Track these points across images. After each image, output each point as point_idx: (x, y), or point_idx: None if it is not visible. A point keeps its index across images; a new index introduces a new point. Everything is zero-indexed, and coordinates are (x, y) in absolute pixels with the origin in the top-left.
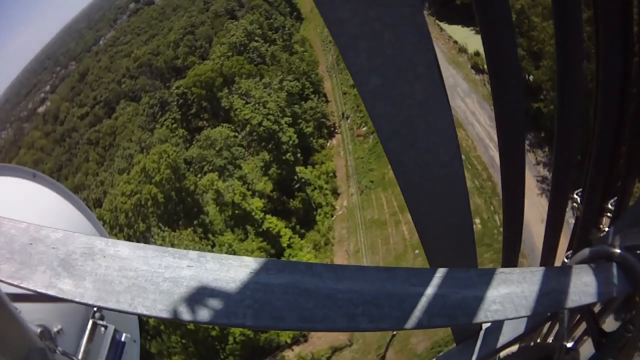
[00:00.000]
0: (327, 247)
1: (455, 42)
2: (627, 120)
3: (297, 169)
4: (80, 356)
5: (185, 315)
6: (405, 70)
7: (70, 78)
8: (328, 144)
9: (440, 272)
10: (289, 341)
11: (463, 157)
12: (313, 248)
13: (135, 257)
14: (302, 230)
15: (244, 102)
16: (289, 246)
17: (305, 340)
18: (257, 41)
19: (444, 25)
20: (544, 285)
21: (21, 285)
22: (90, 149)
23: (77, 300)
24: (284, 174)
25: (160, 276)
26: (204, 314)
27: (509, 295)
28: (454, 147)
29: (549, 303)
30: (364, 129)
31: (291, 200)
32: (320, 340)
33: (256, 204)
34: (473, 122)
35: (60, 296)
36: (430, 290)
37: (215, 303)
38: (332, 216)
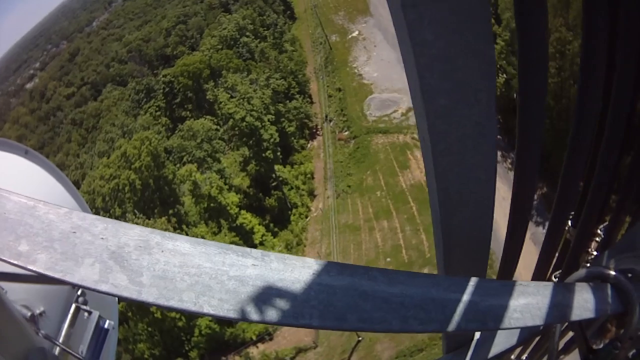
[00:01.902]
0: (299, 248)
1: None
2: (628, 148)
3: (276, 167)
4: (61, 340)
5: (254, 315)
6: (469, 95)
7: (61, 57)
8: (309, 145)
9: (472, 281)
10: (254, 338)
11: None
12: (285, 247)
13: (197, 253)
14: (276, 229)
15: (229, 96)
16: (261, 243)
17: (271, 339)
18: (248, 36)
19: None
20: (553, 298)
21: (64, 279)
22: (73, 130)
23: (133, 297)
24: (262, 171)
25: (225, 274)
26: (272, 315)
27: (527, 306)
28: (493, 167)
29: (557, 315)
30: (346, 133)
31: (267, 198)
32: (286, 340)
33: (232, 198)
34: None
35: (114, 293)
36: (465, 297)
37: (282, 303)
38: (306, 217)
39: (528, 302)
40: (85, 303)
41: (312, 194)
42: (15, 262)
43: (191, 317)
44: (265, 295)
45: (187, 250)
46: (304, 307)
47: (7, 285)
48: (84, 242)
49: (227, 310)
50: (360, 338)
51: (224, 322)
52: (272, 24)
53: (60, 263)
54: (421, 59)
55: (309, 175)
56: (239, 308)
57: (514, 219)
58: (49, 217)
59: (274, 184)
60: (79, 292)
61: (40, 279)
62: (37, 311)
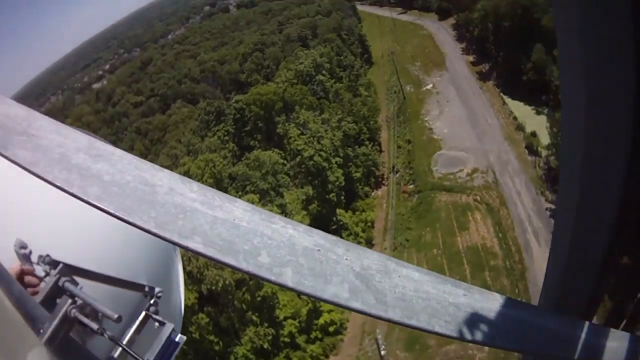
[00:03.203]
0: None
1: (515, 118)
2: None
3: (338, 211)
4: (124, 343)
5: (467, 335)
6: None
7: (132, 64)
8: (373, 194)
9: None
10: None
11: (500, 235)
12: None
13: (425, 281)
14: None
15: (300, 132)
16: None
17: None
18: (324, 75)
19: (507, 99)
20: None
21: (314, 294)
22: (137, 139)
23: (381, 315)
24: (323, 212)
25: (446, 300)
26: (479, 336)
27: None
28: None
29: None
30: (411, 186)
31: None
32: None
33: None
34: (517, 202)
35: (364, 310)
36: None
37: (484, 327)
38: None
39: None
40: (156, 313)
41: (370, 243)
42: (255, 272)
43: None
44: (473, 320)
45: (417, 278)
46: (498, 331)
47: (80, 281)
48: (329, 261)
49: (451, 330)
50: None
51: None
52: (349, 66)
53: (309, 279)
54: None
55: (369, 224)
56: (458, 329)
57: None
58: (288, 231)
59: (333, 227)
60: (151, 301)
61: (114, 281)
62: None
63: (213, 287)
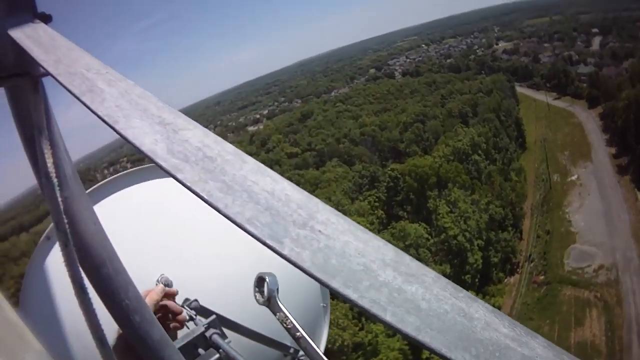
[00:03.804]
0: None
1: None
2: None
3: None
4: None
5: None
6: None
7: (292, 114)
8: (505, 280)
9: None
10: None
11: (609, 333)
12: None
13: None
14: None
15: (449, 210)
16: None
17: None
18: (479, 155)
19: (639, 194)
20: None
21: None
22: None
23: None
24: None
25: None
26: None
27: None
28: None
29: None
30: (542, 277)
31: None
32: None
33: None
34: (631, 301)
35: None
36: None
37: None
38: None
39: None
40: None
41: None
42: None
43: None
44: None
45: None
46: None
47: (230, 334)
48: None
49: None
50: None
51: None
52: (504, 148)
53: None
54: None
55: None
56: None
57: None
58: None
59: None
60: None
61: (261, 339)
62: None
63: (329, 345)
